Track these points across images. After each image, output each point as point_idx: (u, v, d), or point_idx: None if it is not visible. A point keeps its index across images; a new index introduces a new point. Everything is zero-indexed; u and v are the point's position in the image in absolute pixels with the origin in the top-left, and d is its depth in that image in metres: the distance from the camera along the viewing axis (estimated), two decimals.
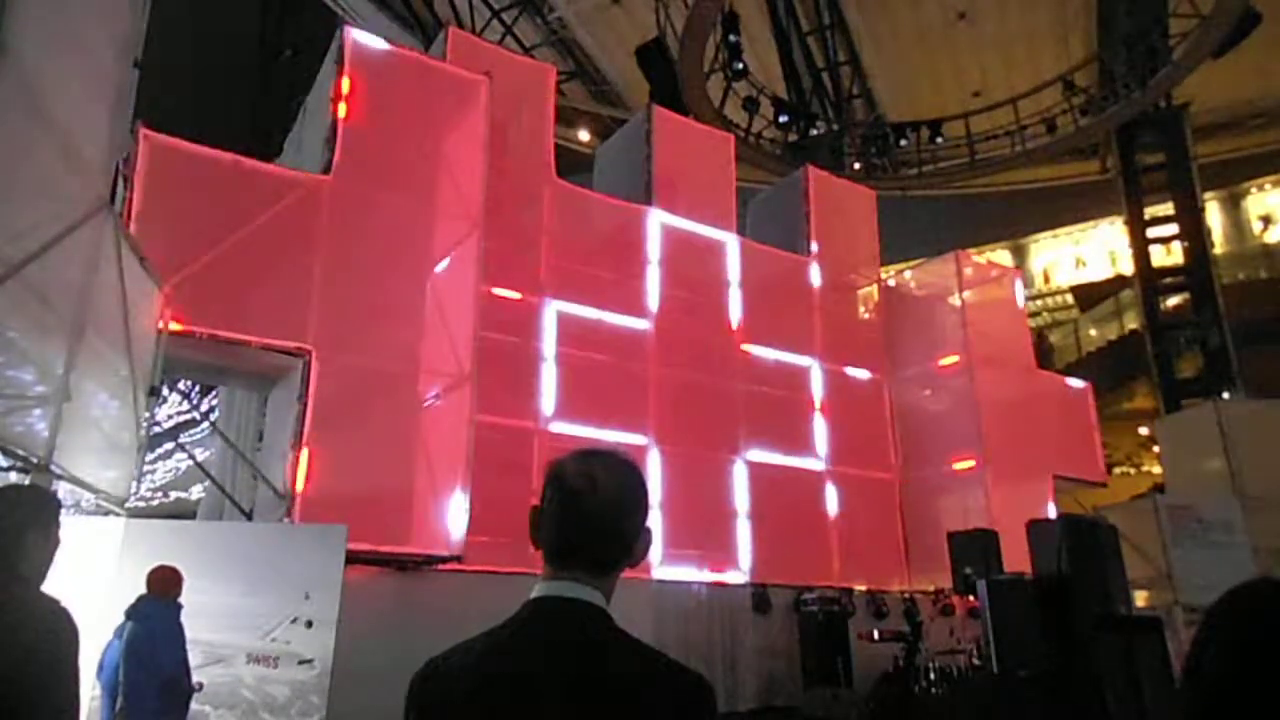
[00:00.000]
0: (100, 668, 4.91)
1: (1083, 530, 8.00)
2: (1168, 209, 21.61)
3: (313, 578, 5.91)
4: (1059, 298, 29.63)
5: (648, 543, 1.42)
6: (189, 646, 5.01)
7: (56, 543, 2.22)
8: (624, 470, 1.41)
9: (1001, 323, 13.39)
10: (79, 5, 4.53)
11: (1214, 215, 25.62)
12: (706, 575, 10.06)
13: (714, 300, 11.58)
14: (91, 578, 5.24)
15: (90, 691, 4.95)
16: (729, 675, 9.59)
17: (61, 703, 1.98)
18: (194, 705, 5.31)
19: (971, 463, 12.02)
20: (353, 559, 6.56)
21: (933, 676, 8.86)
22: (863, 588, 10.91)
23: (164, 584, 5.01)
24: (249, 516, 8.12)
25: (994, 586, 7.75)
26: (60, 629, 2.03)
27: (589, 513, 1.36)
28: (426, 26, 19.54)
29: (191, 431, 14.58)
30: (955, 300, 13.07)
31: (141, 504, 15.23)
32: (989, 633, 7.57)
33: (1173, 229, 21.49)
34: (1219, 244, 24.57)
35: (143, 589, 5.01)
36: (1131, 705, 6.88)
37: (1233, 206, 27.87)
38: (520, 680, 1.27)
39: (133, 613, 4.88)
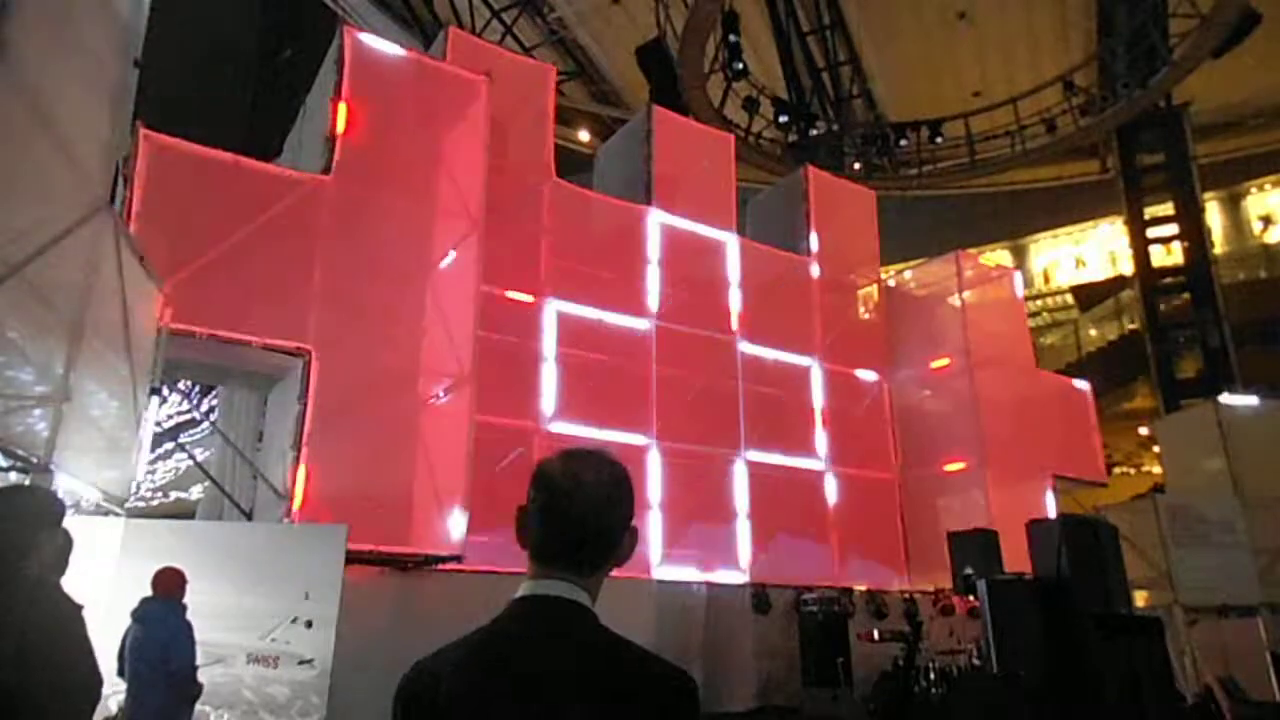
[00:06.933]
0: (121, 661, 4.92)
1: (1083, 530, 7.98)
2: (1168, 209, 21.60)
3: (313, 578, 5.92)
4: (1059, 298, 29.61)
5: (634, 542, 1.42)
6: None
7: (68, 541, 2.21)
8: (609, 470, 1.41)
9: (1001, 323, 13.39)
10: (79, 5, 4.53)
11: (1214, 215, 25.60)
12: (706, 575, 10.06)
13: (714, 300, 11.57)
14: (91, 578, 5.23)
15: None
16: (729, 675, 9.58)
17: (51, 703, 1.97)
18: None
19: (971, 463, 12.03)
20: (353, 559, 6.56)
21: (933, 676, 8.85)
22: (863, 588, 10.91)
23: (169, 585, 5.02)
24: (249, 516, 8.12)
25: (994, 586, 7.73)
26: (62, 627, 2.02)
27: (573, 512, 1.36)
28: (426, 26, 19.52)
29: (191, 431, 14.55)
30: (955, 300, 13.08)
31: (141, 504, 15.22)
32: (989, 633, 7.56)
33: (1173, 229, 21.49)
34: (1219, 244, 24.54)
35: (143, 589, 5.01)
36: (1131, 705, 6.87)
37: (1233, 206, 27.84)
38: (506, 679, 1.27)
39: (140, 614, 4.88)
